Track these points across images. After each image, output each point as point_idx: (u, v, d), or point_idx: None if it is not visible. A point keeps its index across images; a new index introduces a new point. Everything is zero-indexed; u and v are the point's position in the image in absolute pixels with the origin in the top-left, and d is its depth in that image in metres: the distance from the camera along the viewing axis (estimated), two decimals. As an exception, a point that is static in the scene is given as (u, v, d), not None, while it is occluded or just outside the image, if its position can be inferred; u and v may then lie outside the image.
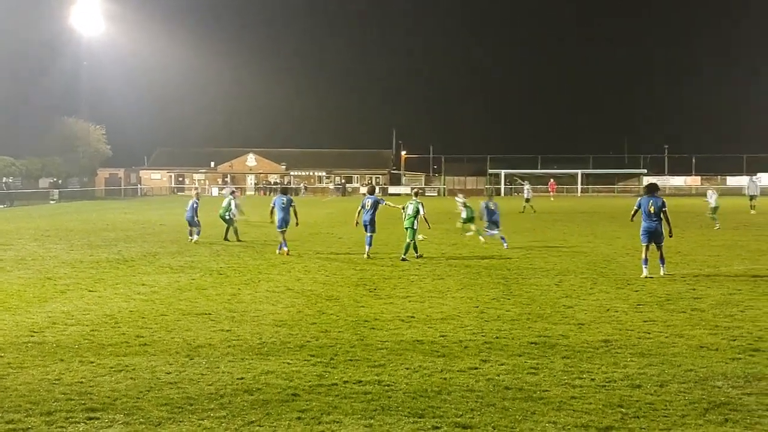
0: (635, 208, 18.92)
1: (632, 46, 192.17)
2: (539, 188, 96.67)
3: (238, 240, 27.39)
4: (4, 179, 69.89)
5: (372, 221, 22.47)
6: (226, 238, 27.57)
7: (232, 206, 27.79)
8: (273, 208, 23.46)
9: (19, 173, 76.00)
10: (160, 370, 9.52)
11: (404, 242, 22.32)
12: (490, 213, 25.87)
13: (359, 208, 22.83)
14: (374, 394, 8.54)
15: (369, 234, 22.42)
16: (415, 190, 25.70)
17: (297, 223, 23.73)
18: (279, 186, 21.85)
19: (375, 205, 22.65)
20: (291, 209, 23.32)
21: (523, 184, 61.46)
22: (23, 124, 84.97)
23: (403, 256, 21.73)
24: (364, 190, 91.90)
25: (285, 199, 23.55)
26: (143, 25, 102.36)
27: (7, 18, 77.71)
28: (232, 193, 29.93)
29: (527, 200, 50.48)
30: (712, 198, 34.65)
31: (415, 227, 22.11)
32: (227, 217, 27.80)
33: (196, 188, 46.95)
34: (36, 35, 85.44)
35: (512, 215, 44.08)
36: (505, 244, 24.48)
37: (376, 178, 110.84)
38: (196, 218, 27.12)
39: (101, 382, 9.02)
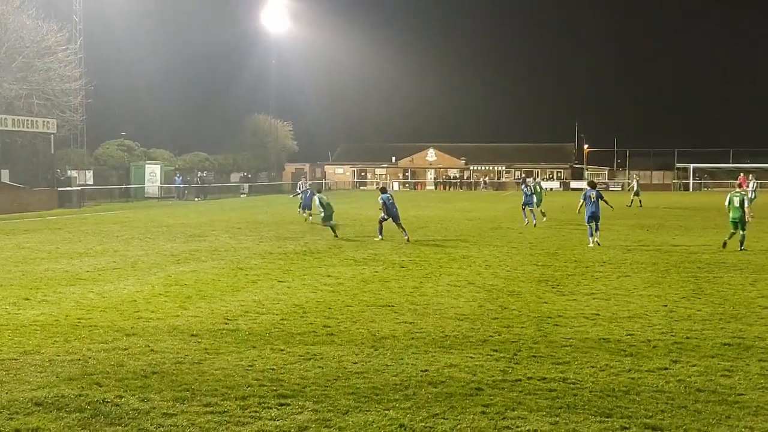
0: None
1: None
2: (732, 183, 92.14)
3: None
4: (199, 173, 73.66)
5: (597, 213, 24.01)
6: (335, 235, 26.99)
7: (317, 202, 28.16)
8: (384, 204, 25.63)
9: (213, 168, 79.96)
10: (347, 360, 9.76)
11: (732, 235, 22.72)
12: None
13: (582, 200, 24.69)
14: (559, 391, 8.42)
15: (594, 224, 24.04)
16: (738, 182, 26.42)
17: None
18: (380, 184, 24.53)
19: (599, 197, 24.32)
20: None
21: (631, 180, 58.31)
22: (217, 121, 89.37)
23: (741, 247, 22.28)
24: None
25: (391, 196, 26.15)
26: (326, 23, 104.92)
27: (202, 20, 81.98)
28: (311, 189, 31.98)
29: (636, 194, 49.20)
30: None
31: (747, 219, 22.57)
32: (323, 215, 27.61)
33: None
34: (228, 36, 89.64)
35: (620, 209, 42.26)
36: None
37: (558, 172, 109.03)
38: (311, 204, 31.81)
39: (291, 369, 9.35)
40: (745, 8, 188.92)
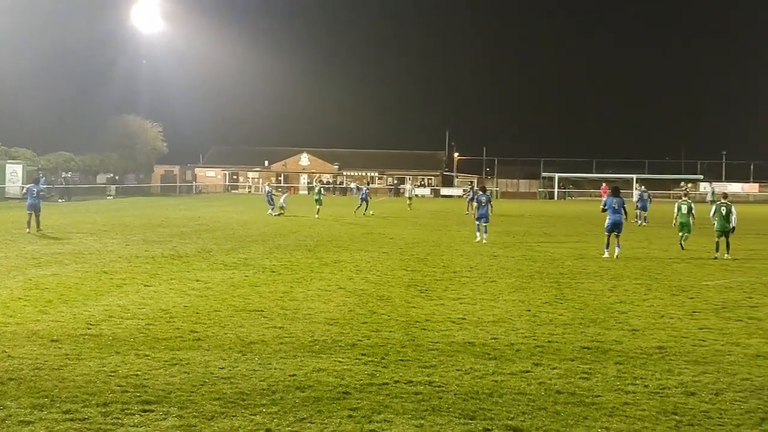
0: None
1: (689, 49, 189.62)
2: (594, 192, 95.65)
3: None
4: (63, 174, 71.13)
5: (486, 214, 27.66)
6: None
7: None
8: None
9: (78, 168, 77.35)
10: (214, 365, 9.63)
11: (677, 236, 26.18)
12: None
13: (474, 203, 28.77)
14: (425, 394, 8.55)
15: (484, 224, 27.58)
16: (685, 191, 29.14)
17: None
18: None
19: (489, 200, 28.02)
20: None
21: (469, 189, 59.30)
22: (83, 120, 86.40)
23: (681, 243, 25.73)
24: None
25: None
26: (200, 24, 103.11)
27: (70, 16, 79.28)
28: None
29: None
30: None
31: (691, 223, 25.81)
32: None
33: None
34: (97, 33, 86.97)
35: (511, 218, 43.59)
36: None
37: (429, 179, 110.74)
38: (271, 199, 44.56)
39: (156, 375, 9.16)
40: (605, 22, 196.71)
